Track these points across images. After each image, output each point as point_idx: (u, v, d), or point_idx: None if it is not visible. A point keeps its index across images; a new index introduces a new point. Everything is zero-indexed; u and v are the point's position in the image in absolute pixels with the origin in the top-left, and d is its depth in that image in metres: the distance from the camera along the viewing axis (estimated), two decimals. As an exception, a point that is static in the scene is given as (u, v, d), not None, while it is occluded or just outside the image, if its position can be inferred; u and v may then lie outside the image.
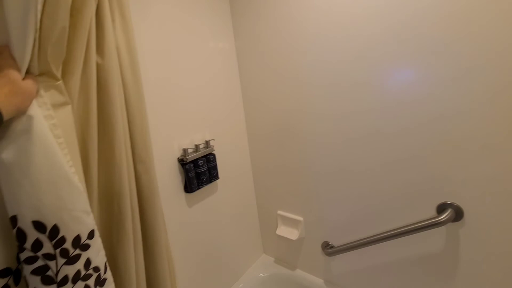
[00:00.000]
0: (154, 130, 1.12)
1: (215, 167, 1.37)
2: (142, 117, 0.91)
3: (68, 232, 0.65)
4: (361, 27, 1.08)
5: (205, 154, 1.31)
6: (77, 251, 0.68)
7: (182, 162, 1.22)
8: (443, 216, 0.98)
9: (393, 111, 1.07)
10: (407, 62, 1.00)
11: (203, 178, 1.30)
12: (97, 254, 0.73)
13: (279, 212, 1.62)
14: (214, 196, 1.43)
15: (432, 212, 1.06)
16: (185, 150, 1.22)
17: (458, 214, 0.99)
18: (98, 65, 0.81)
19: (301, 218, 1.52)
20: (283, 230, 1.60)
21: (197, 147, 1.28)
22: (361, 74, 1.12)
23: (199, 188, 1.30)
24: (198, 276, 1.38)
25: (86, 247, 0.70)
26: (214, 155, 1.36)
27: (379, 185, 1.18)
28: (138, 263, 0.94)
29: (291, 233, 1.55)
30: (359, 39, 1.09)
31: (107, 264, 0.76)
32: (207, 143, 1.33)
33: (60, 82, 0.71)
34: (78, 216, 0.68)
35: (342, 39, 1.13)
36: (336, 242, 1.41)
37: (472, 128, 0.92)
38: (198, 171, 1.28)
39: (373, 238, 1.18)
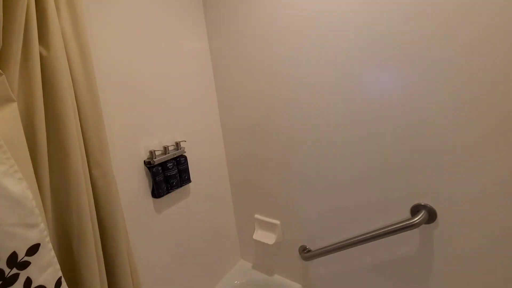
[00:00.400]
0: (117, 131, 1.04)
1: (186, 170, 1.30)
2: (97, 115, 0.83)
3: (1, 250, 0.57)
4: (336, 28, 1.05)
5: (175, 156, 1.24)
6: (14, 271, 0.60)
7: (149, 165, 1.14)
8: (417, 218, 0.96)
9: (368, 114, 1.05)
10: (381, 64, 0.98)
11: (172, 182, 1.22)
12: (42, 271, 0.64)
13: (256, 216, 1.56)
14: (186, 200, 1.36)
15: (406, 214, 1.04)
16: (152, 152, 1.14)
17: (431, 216, 0.98)
18: (42, 57, 0.73)
19: (278, 222, 1.47)
20: (260, 235, 1.55)
21: (166, 149, 1.20)
22: (335, 76, 1.09)
23: (168, 193, 1.22)
24: (168, 283, 1.30)
25: (25, 265, 0.61)
26: (185, 157, 1.28)
27: (355, 188, 1.16)
28: (102, 277, 0.85)
29: (268, 238, 1.50)
30: (334, 40, 1.06)
31: (61, 281, 0.67)
32: (177, 144, 1.26)
33: (2, 76, 0.62)
34: (12, 231, 0.59)
35: (318, 39, 1.10)
36: (313, 246, 1.37)
37: (445, 130, 0.91)
38: (167, 175, 1.20)
39: (349, 241, 1.15)
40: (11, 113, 0.67)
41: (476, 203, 0.90)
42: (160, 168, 1.16)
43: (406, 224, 0.97)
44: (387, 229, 1.02)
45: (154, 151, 1.15)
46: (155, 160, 1.14)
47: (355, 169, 1.13)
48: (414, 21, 0.89)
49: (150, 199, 1.19)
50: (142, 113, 1.13)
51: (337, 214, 1.24)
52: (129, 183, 1.10)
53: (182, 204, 1.34)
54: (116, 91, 1.04)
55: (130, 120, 1.09)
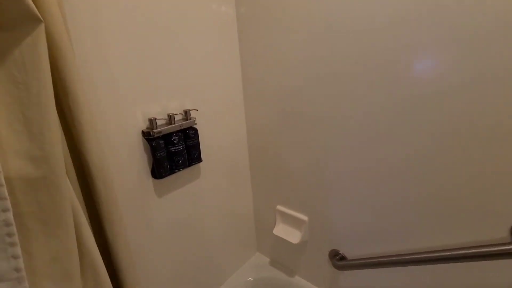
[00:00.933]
0: (106, 89, 0.79)
1: (196, 146, 1.03)
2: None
3: None
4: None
5: (183, 128, 0.97)
6: None
7: (147, 136, 0.89)
8: (527, 244, 0.64)
9: (427, 102, 0.70)
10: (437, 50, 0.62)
11: (178, 160, 0.97)
12: None
13: (279, 207, 1.30)
14: (194, 183, 1.11)
15: (503, 233, 0.71)
16: (152, 121, 0.88)
17: (549, 242, 0.65)
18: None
19: (305, 218, 1.20)
20: (282, 230, 1.29)
21: (171, 118, 0.94)
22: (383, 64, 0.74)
23: (172, 173, 0.98)
24: (173, 280, 1.09)
25: None
26: (195, 130, 1.02)
27: (416, 188, 0.84)
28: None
29: (292, 235, 1.24)
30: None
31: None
32: (186, 113, 0.99)
33: None
34: None
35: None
36: (348, 252, 1.09)
37: None
38: (172, 151, 0.95)
39: (405, 258, 0.85)
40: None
41: None
42: (162, 141, 0.91)
43: (508, 249, 0.65)
44: (472, 251, 0.71)
45: (155, 119, 0.89)
46: (155, 131, 0.88)
47: (418, 167, 0.81)
48: None
49: (150, 179, 0.95)
50: (143, 69, 0.86)
51: (387, 219, 0.93)
52: (122, 159, 0.86)
53: (189, 187, 1.09)
54: (113, 42, 0.77)
55: (124, 77, 0.82)
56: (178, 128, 0.95)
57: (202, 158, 1.07)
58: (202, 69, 1.05)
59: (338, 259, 1.10)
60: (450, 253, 0.73)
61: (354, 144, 0.95)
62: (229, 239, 1.36)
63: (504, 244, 0.67)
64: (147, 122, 0.90)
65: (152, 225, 0.99)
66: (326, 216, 1.12)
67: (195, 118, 1.01)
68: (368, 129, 0.89)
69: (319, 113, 1.01)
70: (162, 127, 0.91)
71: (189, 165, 1.03)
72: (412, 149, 0.82)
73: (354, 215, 1.03)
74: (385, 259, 0.90)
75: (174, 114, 0.94)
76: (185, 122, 0.98)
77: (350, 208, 1.03)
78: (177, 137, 0.95)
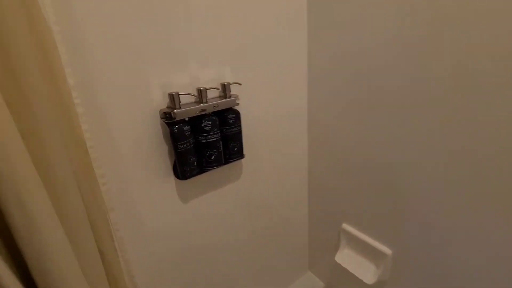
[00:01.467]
0: (109, 48, 0.53)
1: (237, 136, 0.73)
2: None
3: None
4: None
5: (219, 109, 0.67)
6: None
7: (167, 119, 0.62)
8: None
9: None
10: None
11: (210, 155, 0.69)
12: None
13: (346, 226, 0.94)
14: (232, 185, 0.83)
15: None
16: (173, 97, 0.60)
17: None
18: None
19: (387, 251, 0.82)
20: (347, 258, 0.93)
21: (201, 94, 0.64)
22: None
23: (201, 172, 0.70)
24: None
25: None
26: (237, 113, 0.71)
27: None
28: None
29: (363, 269, 0.88)
30: None
31: None
32: (224, 89, 0.69)
33: None
34: None
35: None
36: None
37: None
38: (202, 141, 0.67)
39: None
40: None
41: None
42: (188, 127, 0.63)
43: None
44: None
45: (178, 94, 0.61)
46: (177, 111, 0.60)
47: None
48: None
49: (172, 179, 0.69)
50: (162, 20, 0.58)
51: None
52: (129, 149, 0.60)
53: (225, 191, 0.81)
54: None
55: (133, 29, 0.55)
56: (212, 110, 0.66)
57: (244, 152, 0.77)
58: (255, 29, 0.72)
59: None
60: None
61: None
62: (275, 253, 1.06)
63: None
64: (167, 99, 0.62)
65: (175, 237, 0.74)
66: (424, 252, 0.73)
67: (237, 97, 0.71)
68: None
69: (417, 107, 0.60)
70: (188, 106, 0.63)
71: (226, 162, 0.74)
72: None
73: (476, 256, 0.62)
74: None
75: (206, 89, 0.65)
76: (222, 101, 0.68)
77: (469, 244, 0.62)
78: (210, 123, 0.66)
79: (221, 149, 0.71)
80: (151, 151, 0.64)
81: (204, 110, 0.65)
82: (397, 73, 0.66)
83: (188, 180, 0.68)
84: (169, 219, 0.72)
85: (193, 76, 0.65)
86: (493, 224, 0.59)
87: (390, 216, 0.79)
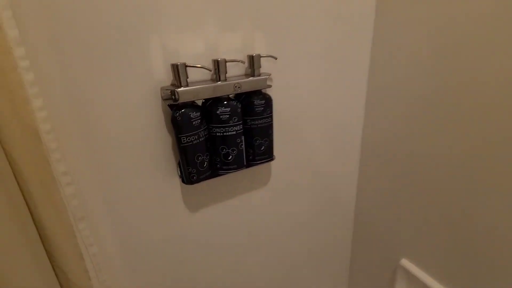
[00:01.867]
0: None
1: (266, 131, 0.53)
2: None
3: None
4: None
5: (241, 92, 0.48)
6: None
7: (169, 100, 0.44)
8: None
9: None
10: None
11: (227, 154, 0.50)
12: None
13: (404, 262, 0.69)
14: (256, 193, 0.63)
15: None
16: (177, 69, 0.42)
17: None
18: None
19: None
20: (405, 305, 0.69)
21: (218, 68, 0.45)
22: None
23: (215, 175, 0.52)
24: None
25: None
26: (268, 98, 0.51)
27: None
28: None
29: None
30: None
31: None
32: (252, 63, 0.49)
33: None
34: None
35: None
36: None
37: None
38: (216, 134, 0.48)
39: None
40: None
41: None
42: (197, 114, 0.45)
43: None
44: None
45: (186, 66, 0.42)
46: (181, 90, 0.42)
47: None
48: None
49: (175, 181, 0.52)
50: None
51: None
52: (116, 140, 0.44)
53: (247, 200, 0.62)
54: None
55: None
56: (232, 91, 0.47)
57: (274, 153, 0.57)
58: None
59: None
60: None
61: None
62: (305, 281, 0.85)
63: None
64: (170, 73, 0.44)
65: (176, 256, 0.58)
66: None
67: (269, 76, 0.51)
68: None
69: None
70: (198, 84, 0.44)
71: (249, 164, 0.55)
72: None
73: None
74: None
75: (226, 61, 0.46)
76: (248, 80, 0.48)
77: None
78: (228, 109, 0.47)
79: (243, 146, 0.52)
80: (147, 142, 0.47)
81: (222, 90, 0.46)
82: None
83: (196, 185, 0.50)
84: (169, 233, 0.55)
85: (210, 42, 0.47)
86: None
87: (477, 261, 0.53)
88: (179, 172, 0.51)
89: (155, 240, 0.54)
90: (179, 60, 0.43)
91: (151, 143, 0.47)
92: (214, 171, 0.52)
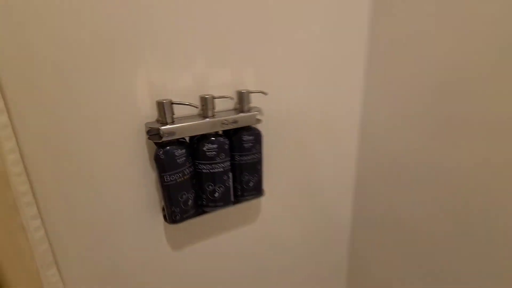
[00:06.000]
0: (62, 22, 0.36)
1: (255, 166, 0.52)
2: None
3: None
4: None
5: (230, 127, 0.47)
6: None
7: (155, 138, 0.43)
8: None
9: None
10: None
11: (214, 191, 0.48)
12: None
13: (402, 304, 0.65)
14: (245, 230, 0.60)
15: None
16: (162, 107, 0.41)
17: None
18: None
19: None
20: None
21: (206, 105, 0.44)
22: None
23: (200, 214, 0.50)
24: None
25: None
26: (257, 134, 0.50)
27: None
28: None
29: None
30: None
31: None
32: (241, 98, 0.48)
33: None
34: None
35: None
36: None
37: None
38: (203, 170, 0.46)
39: None
40: None
41: None
42: (183, 151, 0.43)
43: None
44: None
45: (171, 103, 0.41)
46: (167, 128, 0.41)
47: None
48: None
49: (160, 223, 0.50)
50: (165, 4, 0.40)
51: None
52: (96, 177, 0.42)
53: (235, 237, 0.59)
54: None
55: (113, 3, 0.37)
56: (220, 128, 0.46)
57: (263, 189, 0.55)
58: (294, 19, 0.52)
59: None
60: None
61: None
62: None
63: None
64: (155, 109, 0.43)
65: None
66: None
67: (259, 111, 0.50)
68: None
69: None
70: (184, 121, 0.43)
71: (237, 201, 0.53)
72: None
73: None
74: None
75: (214, 98, 0.45)
76: (237, 116, 0.47)
77: None
78: (216, 146, 0.46)
79: (230, 183, 0.50)
80: (130, 179, 0.45)
81: (209, 127, 0.45)
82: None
83: (181, 224, 0.48)
84: (154, 270, 0.52)
85: (198, 78, 0.46)
86: None
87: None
88: (163, 212, 0.48)
89: (137, 280, 0.50)
90: (166, 95, 0.42)
91: (134, 180, 0.45)
92: (199, 209, 0.50)
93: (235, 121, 0.47)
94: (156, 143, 0.43)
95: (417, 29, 0.52)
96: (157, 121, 0.44)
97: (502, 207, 0.46)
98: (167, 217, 0.47)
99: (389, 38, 0.58)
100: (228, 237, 0.58)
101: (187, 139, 0.46)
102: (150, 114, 0.44)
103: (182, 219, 0.46)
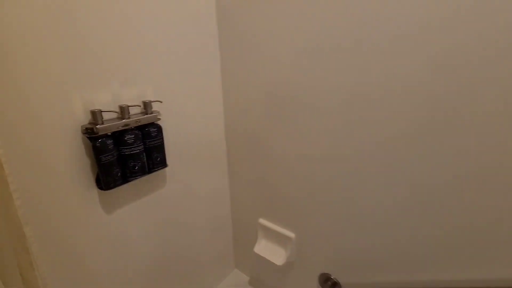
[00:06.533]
0: (29, 64, 0.56)
1: (160, 147, 0.82)
2: None
3: None
4: None
5: (141, 124, 0.76)
6: None
7: (89, 134, 0.67)
8: None
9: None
10: None
11: (134, 166, 0.76)
12: None
13: (261, 221, 1.11)
14: (157, 193, 0.90)
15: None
16: (96, 114, 0.66)
17: None
18: None
19: (291, 235, 1.01)
20: (264, 248, 1.10)
21: (123, 111, 0.72)
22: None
23: (126, 182, 0.76)
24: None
25: None
26: (158, 127, 0.80)
27: (432, 208, 0.67)
28: None
29: (276, 254, 1.05)
30: None
31: None
32: (146, 106, 0.77)
33: None
34: None
35: None
36: (342, 278, 0.92)
37: None
38: (125, 153, 0.73)
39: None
40: None
41: None
42: (110, 141, 0.69)
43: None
44: None
45: (101, 111, 0.67)
46: (100, 127, 0.66)
47: (438, 185, 0.65)
48: None
49: (95, 191, 0.73)
50: (83, 39, 0.64)
51: (388, 239, 0.77)
52: (51, 162, 0.63)
53: (150, 199, 0.88)
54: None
55: (55, 48, 0.59)
56: (134, 125, 0.74)
57: (167, 162, 0.86)
58: (171, 49, 0.84)
59: (330, 285, 0.93)
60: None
61: (356, 147, 0.77)
62: (203, 255, 1.15)
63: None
64: (89, 115, 0.67)
65: (99, 247, 0.77)
66: (316, 233, 0.95)
67: (159, 113, 0.80)
68: (377, 132, 0.72)
69: (311, 108, 0.82)
70: (111, 122, 0.69)
71: (150, 171, 0.81)
72: (422, 176, 0.66)
73: (351, 235, 0.86)
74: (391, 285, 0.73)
75: (128, 106, 0.72)
76: (144, 116, 0.76)
77: (346, 225, 0.86)
78: (133, 136, 0.73)
79: (145, 159, 0.79)
80: (72, 164, 0.67)
81: (127, 125, 0.72)
82: (295, 94, 0.87)
83: (112, 191, 0.73)
84: (93, 231, 0.74)
85: (115, 94, 0.72)
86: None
87: (294, 208, 0.99)
88: (97, 183, 0.72)
89: (80, 238, 0.72)
90: (95, 106, 0.67)
91: (74, 164, 0.67)
92: (125, 179, 0.76)
93: (143, 120, 0.76)
94: (92, 138, 0.67)
95: (252, 52, 0.95)
96: (91, 123, 0.67)
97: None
98: (103, 186, 0.71)
99: (232, 55, 0.98)
100: (146, 199, 0.86)
101: (110, 134, 0.72)
102: (83, 119, 0.67)
103: (115, 185, 0.72)
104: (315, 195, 0.90)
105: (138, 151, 0.75)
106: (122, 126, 0.71)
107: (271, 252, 1.06)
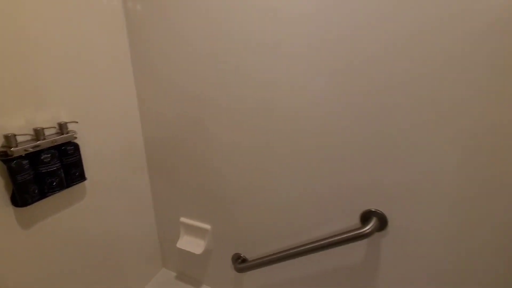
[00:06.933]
0: None
1: (77, 164, 0.91)
2: None
3: None
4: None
5: (57, 144, 0.84)
6: None
7: (3, 156, 0.73)
8: (368, 227, 0.83)
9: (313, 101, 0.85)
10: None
11: (52, 182, 0.83)
12: None
13: (182, 219, 1.27)
14: (78, 205, 0.97)
15: (356, 221, 0.91)
16: (9, 138, 0.72)
17: (382, 223, 0.86)
18: None
19: (208, 227, 1.22)
20: (186, 242, 1.27)
21: (38, 134, 0.79)
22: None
23: (44, 197, 0.83)
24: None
25: None
26: (75, 145, 0.89)
27: (297, 190, 0.97)
28: None
29: (196, 245, 1.24)
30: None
31: None
32: (61, 127, 0.86)
33: None
34: None
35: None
36: (249, 254, 1.17)
37: (405, 124, 0.77)
38: (42, 171, 0.80)
39: (289, 252, 0.97)
40: None
41: (428, 211, 0.81)
42: (26, 162, 0.76)
43: (357, 233, 0.84)
44: (335, 238, 0.87)
45: (15, 135, 0.73)
46: (14, 149, 0.73)
47: (300, 171, 0.95)
48: None
49: (9, 208, 0.78)
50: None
51: (278, 219, 1.05)
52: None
53: (71, 211, 0.95)
54: None
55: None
56: (50, 145, 0.82)
57: (86, 175, 0.95)
58: (82, 68, 0.93)
59: (239, 262, 1.16)
60: (319, 243, 0.89)
61: (250, 148, 1.02)
62: (130, 259, 1.24)
63: (356, 229, 0.85)
64: (2, 140, 0.73)
65: (18, 263, 0.81)
66: (227, 222, 1.17)
67: (75, 132, 0.89)
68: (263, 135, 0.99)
69: (218, 120, 1.04)
70: (26, 144, 0.76)
71: (69, 185, 0.89)
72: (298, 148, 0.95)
73: (251, 220, 1.11)
74: (275, 255, 1.01)
75: (43, 129, 0.80)
76: (60, 137, 0.85)
77: (247, 213, 1.11)
78: (49, 155, 0.81)
79: (63, 175, 0.87)
80: (-14, 186, 0.72)
81: (43, 146, 0.80)
82: (208, 107, 1.07)
83: (30, 207, 0.79)
84: (10, 247, 0.79)
85: (28, 118, 0.79)
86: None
87: (208, 204, 1.19)
88: (12, 201, 0.77)
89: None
90: (8, 132, 0.73)
91: (-13, 186, 0.72)
92: (42, 195, 0.82)
93: (60, 140, 0.84)
94: (5, 160, 0.73)
95: (165, 60, 1.10)
96: (3, 146, 0.73)
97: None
98: (19, 202, 0.77)
99: (142, 65, 1.13)
100: (66, 212, 0.93)
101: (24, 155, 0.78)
102: (-5, 143, 0.72)
103: (33, 202, 0.79)
104: (225, 190, 1.13)
105: (55, 168, 0.83)
106: (36, 148, 0.79)
107: (192, 245, 1.24)
